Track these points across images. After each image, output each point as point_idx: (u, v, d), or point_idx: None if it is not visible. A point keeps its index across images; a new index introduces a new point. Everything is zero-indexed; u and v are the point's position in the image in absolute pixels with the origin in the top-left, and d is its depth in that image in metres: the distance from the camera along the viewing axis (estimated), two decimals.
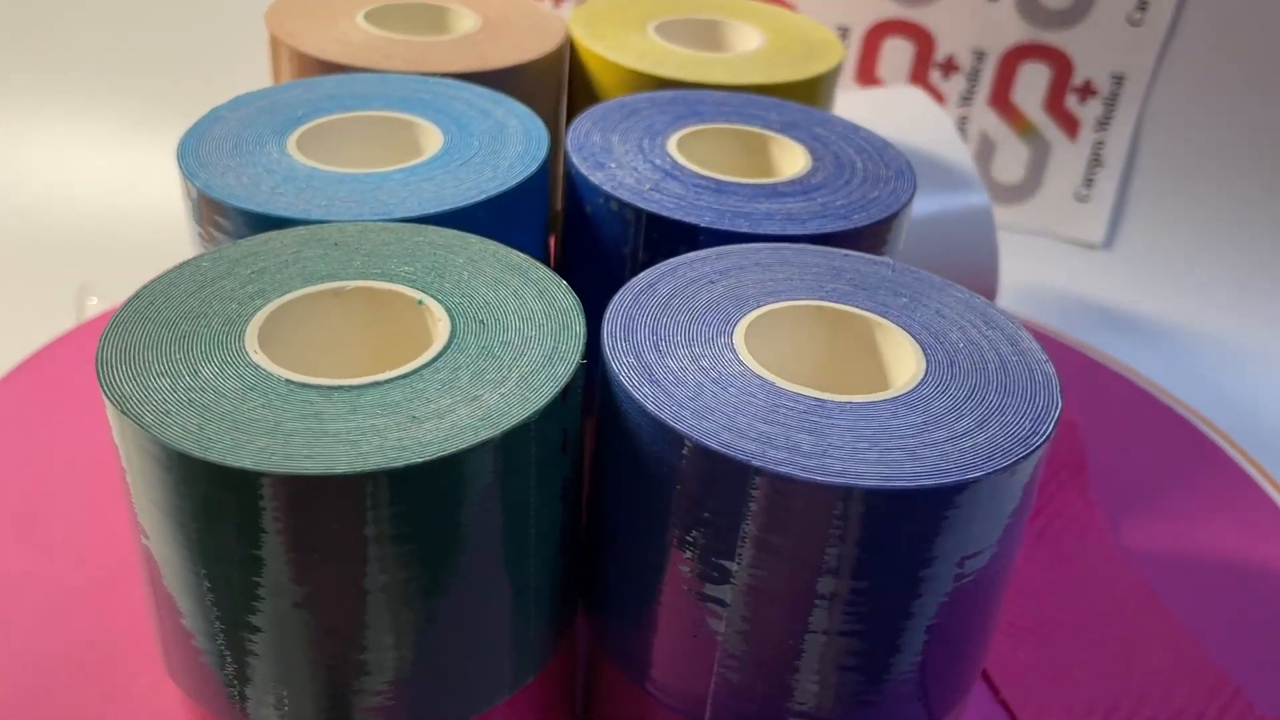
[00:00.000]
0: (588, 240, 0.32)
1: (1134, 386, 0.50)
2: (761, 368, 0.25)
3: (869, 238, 0.31)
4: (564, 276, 0.29)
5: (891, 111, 0.49)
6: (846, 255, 0.29)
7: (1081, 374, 0.51)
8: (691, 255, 0.29)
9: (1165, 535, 0.42)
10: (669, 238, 0.30)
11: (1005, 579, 0.26)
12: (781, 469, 0.22)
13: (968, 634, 0.25)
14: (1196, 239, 0.65)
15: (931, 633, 0.24)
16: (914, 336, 0.26)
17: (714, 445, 0.22)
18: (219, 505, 0.21)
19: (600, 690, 0.29)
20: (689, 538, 0.24)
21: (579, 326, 0.25)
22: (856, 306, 0.27)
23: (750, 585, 0.23)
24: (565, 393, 0.23)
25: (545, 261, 0.33)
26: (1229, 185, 0.64)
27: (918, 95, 0.50)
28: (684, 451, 0.23)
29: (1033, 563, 0.40)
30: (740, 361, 0.25)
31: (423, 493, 0.22)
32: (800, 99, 0.39)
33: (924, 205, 0.47)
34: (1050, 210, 0.67)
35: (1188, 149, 0.65)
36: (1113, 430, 0.47)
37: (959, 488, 0.22)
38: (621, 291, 0.27)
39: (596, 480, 0.26)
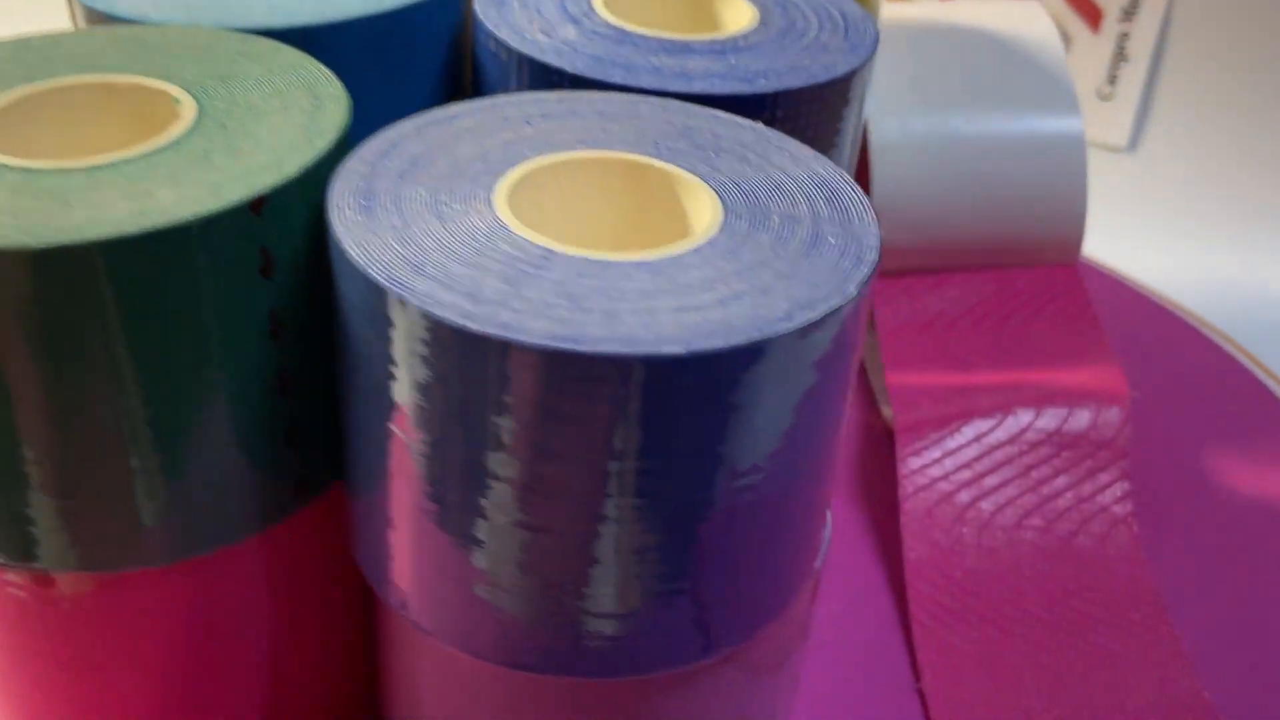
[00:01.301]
0: (480, 85, 0.29)
1: (1172, 317, 0.44)
2: (508, 212, 0.21)
3: (773, 109, 0.26)
4: None
5: (997, 19, 0.43)
6: (713, 116, 0.25)
7: (1122, 310, 0.44)
8: (527, 95, 0.25)
9: (1195, 471, 0.38)
10: (540, 84, 0.27)
11: (781, 502, 0.21)
12: (432, 308, 0.18)
13: (713, 558, 0.21)
14: (1227, 141, 0.54)
15: (643, 540, 0.20)
16: (726, 203, 0.22)
17: (375, 274, 0.19)
18: None
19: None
20: (370, 385, 0.20)
21: (323, 143, 0.22)
22: (681, 166, 0.23)
23: (420, 441, 0.20)
24: (258, 205, 0.20)
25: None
26: (1264, 82, 0.53)
27: (1033, 8, 0.44)
28: (355, 281, 0.19)
29: (1033, 553, 0.34)
30: (488, 203, 0.21)
31: (45, 284, 0.19)
32: None
33: (1010, 125, 0.41)
34: None
35: (1219, 42, 0.54)
36: (1150, 366, 0.41)
37: (630, 361, 0.18)
38: (412, 118, 0.24)
39: None
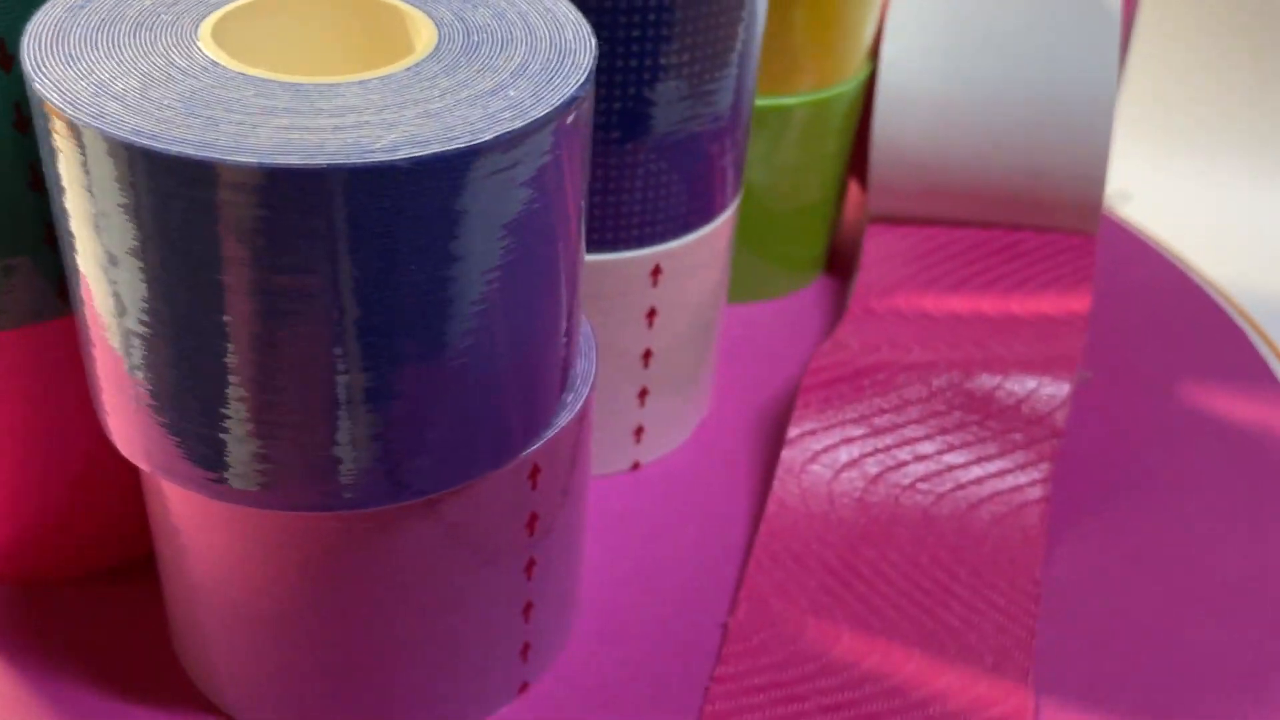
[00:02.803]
0: None
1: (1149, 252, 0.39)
2: (209, 31, 0.21)
3: None
4: None
5: None
6: None
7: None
8: None
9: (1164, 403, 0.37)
10: None
11: (451, 362, 0.21)
12: (49, 93, 0.19)
13: (394, 398, 0.20)
14: (1222, 60, 0.45)
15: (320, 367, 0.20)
16: (440, 46, 0.21)
17: (27, 60, 0.19)
18: None
19: None
20: (49, 183, 0.21)
21: None
22: (427, 11, 0.22)
23: (70, 244, 0.20)
24: None
25: None
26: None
27: None
28: (32, 96, 0.20)
29: (918, 517, 0.31)
30: (198, 21, 0.21)
31: None
32: None
33: (1035, 72, 0.37)
34: None
35: None
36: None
37: (166, 159, 0.18)
38: None
39: None
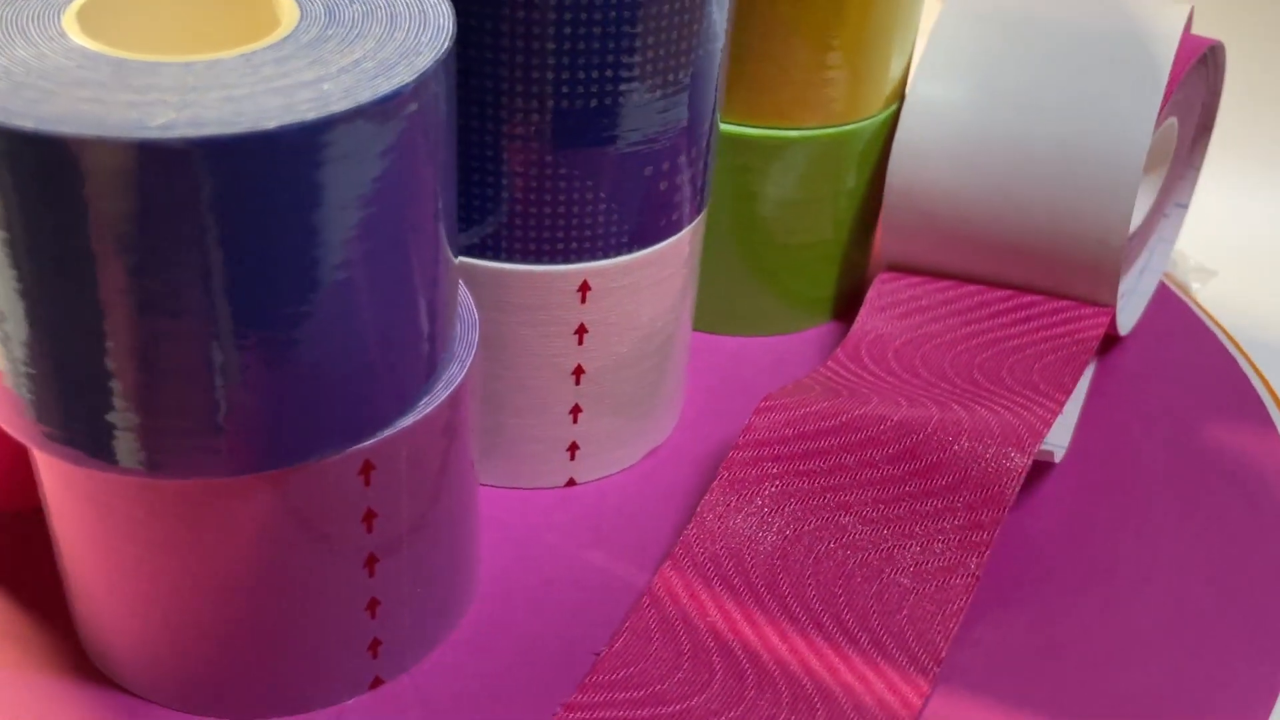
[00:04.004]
0: None
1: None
2: (74, 9, 0.22)
3: None
4: None
5: None
6: None
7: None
8: None
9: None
10: None
11: (284, 343, 0.21)
12: None
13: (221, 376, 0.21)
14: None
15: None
16: (295, 34, 0.22)
17: None
18: None
19: None
20: None
21: None
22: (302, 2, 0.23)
23: None
24: None
25: None
26: None
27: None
28: None
29: (837, 568, 0.30)
30: (66, 4, 0.22)
31: None
32: None
33: (1063, 129, 0.35)
34: None
35: None
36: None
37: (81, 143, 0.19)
38: None
39: None
